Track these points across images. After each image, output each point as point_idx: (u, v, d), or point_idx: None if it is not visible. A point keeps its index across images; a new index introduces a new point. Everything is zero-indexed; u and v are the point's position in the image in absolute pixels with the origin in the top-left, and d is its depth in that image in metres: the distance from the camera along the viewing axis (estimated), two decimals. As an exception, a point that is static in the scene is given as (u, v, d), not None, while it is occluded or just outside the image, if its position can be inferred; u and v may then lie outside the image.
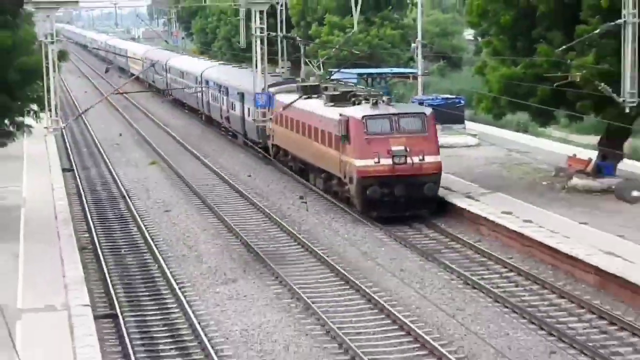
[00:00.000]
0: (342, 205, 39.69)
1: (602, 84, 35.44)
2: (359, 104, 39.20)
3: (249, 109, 52.74)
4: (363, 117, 36.99)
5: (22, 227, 34.69)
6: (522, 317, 26.23)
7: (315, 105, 42.36)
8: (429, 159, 36.61)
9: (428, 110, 38.71)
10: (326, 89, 44.38)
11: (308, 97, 44.14)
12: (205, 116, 68.44)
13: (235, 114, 56.08)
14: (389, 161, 36.32)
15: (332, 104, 40.67)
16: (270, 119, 49.44)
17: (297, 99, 44.19)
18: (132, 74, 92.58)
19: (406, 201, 36.59)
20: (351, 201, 38.48)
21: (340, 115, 37.87)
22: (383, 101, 38.46)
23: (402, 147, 36.38)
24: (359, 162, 36.48)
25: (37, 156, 51.03)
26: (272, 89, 49.84)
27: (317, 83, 46.67)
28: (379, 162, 36.28)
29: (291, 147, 46.36)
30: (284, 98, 47.08)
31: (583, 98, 37.59)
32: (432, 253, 32.87)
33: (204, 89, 65.63)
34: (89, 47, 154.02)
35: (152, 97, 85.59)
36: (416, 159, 36.38)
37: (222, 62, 72.03)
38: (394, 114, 37.30)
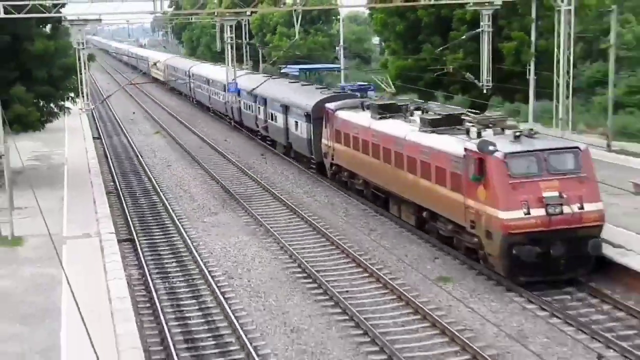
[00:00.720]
0: (463, 261, 23.04)
1: (468, 73, 35.77)
2: (479, 134, 22.50)
3: (296, 123, 37.19)
4: (506, 154, 20.69)
5: (66, 179, 34.10)
6: (414, 234, 26.30)
7: (405, 130, 25.81)
8: (589, 207, 20.43)
9: (582, 145, 21.57)
10: (407, 108, 28.19)
11: (382, 117, 28.09)
12: (234, 122, 52.10)
13: (275, 125, 41.17)
14: (542, 212, 20.17)
15: (430, 129, 24.52)
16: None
17: (377, 119, 28.26)
18: (155, 78, 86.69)
19: (566, 262, 20.40)
20: (483, 256, 21.56)
21: (468, 150, 21.70)
22: (522, 132, 21.91)
23: (556, 193, 20.33)
24: (505, 215, 20.16)
25: (74, 129, 50.05)
26: (330, 105, 32.38)
27: (392, 101, 29.66)
28: (528, 213, 20.15)
29: (362, 171, 29.82)
30: (347, 116, 30.70)
31: (454, 83, 37.97)
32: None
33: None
34: (112, 53, 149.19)
35: (157, 87, 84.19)
36: (575, 208, 20.31)
37: (249, 71, 57.95)
38: (542, 150, 20.85)
